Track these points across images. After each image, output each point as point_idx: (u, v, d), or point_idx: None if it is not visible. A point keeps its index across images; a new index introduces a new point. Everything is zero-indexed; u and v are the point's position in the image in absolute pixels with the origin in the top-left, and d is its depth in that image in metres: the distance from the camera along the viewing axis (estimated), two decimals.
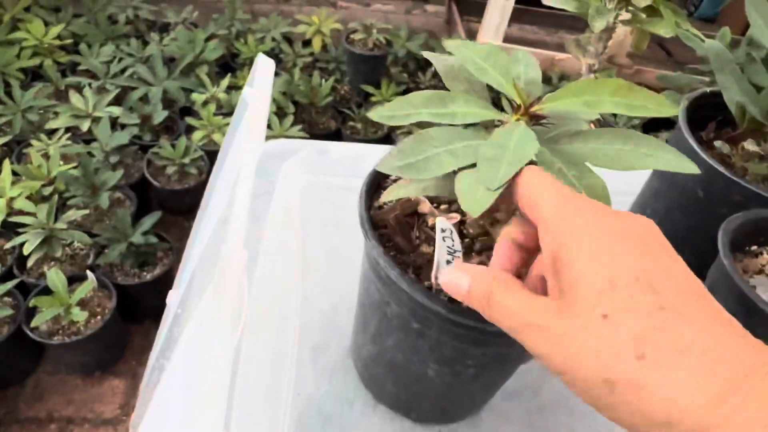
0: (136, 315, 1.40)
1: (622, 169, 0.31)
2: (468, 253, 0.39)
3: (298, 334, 0.53)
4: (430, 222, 0.40)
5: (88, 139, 1.52)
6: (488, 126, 0.35)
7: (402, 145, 0.32)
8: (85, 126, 1.46)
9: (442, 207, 0.41)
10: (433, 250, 0.40)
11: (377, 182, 0.42)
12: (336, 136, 1.89)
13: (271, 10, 2.43)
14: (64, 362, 1.32)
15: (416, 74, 2.11)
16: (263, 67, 0.58)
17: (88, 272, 1.24)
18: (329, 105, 1.89)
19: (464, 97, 0.33)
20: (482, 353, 0.37)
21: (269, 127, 1.65)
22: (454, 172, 0.31)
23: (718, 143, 0.53)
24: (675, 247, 0.25)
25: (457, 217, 0.41)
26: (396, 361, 0.42)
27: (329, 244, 0.61)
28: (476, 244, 0.39)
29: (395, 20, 2.55)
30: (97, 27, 1.89)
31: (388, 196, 0.36)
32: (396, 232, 0.39)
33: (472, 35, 2.39)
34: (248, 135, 0.52)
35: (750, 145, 0.49)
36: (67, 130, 1.50)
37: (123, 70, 1.75)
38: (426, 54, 0.40)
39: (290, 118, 1.69)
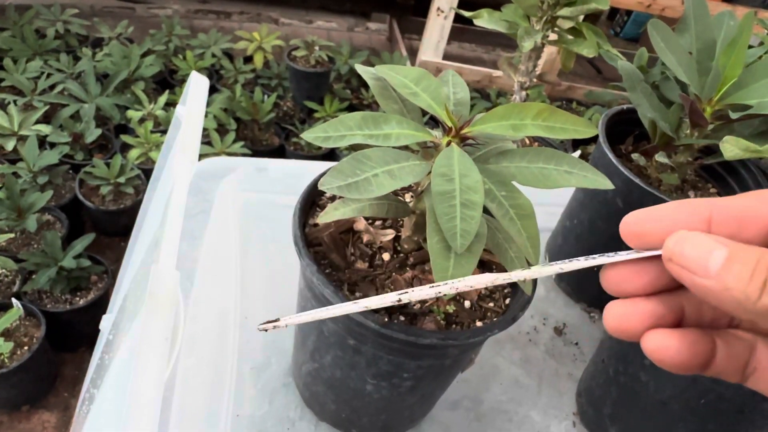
0: (68, 343, 1.33)
1: (546, 187, 0.32)
2: (402, 267, 0.40)
3: (237, 354, 0.52)
4: (365, 239, 0.41)
5: (14, 158, 1.45)
6: (421, 145, 0.36)
7: (340, 165, 0.32)
8: (9, 145, 1.39)
9: (377, 223, 0.42)
10: (368, 266, 0.40)
11: (312, 200, 0.42)
12: (279, 152, 1.87)
13: (211, 26, 2.40)
14: None
15: (359, 90, 2.13)
16: (197, 85, 0.57)
17: (14, 300, 1.16)
18: (272, 121, 1.88)
19: (397, 118, 0.34)
20: (417, 365, 0.38)
21: (210, 144, 1.62)
22: (394, 193, 0.31)
23: (635, 156, 0.56)
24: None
25: (392, 233, 0.42)
26: (335, 378, 0.42)
27: (269, 263, 0.61)
28: (410, 258, 0.40)
29: (338, 37, 2.57)
30: (24, 41, 1.80)
31: (325, 217, 0.36)
32: (331, 249, 0.39)
33: (413, 52, 2.44)
34: (181, 153, 0.51)
35: (661, 158, 0.53)
36: None
37: (52, 87, 1.68)
38: (358, 68, 0.40)
39: (232, 135, 1.66)
